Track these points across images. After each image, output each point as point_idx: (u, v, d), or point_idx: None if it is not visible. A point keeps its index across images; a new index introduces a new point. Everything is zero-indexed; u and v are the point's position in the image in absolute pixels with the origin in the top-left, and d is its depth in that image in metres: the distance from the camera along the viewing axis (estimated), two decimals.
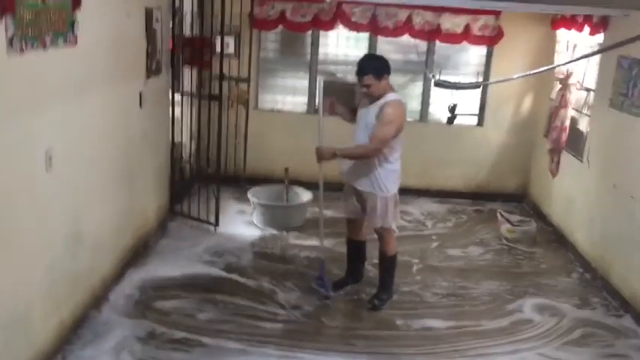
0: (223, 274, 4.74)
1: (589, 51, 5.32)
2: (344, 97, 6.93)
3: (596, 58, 5.34)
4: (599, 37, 5.26)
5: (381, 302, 4.38)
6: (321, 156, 4.16)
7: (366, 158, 4.12)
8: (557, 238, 5.88)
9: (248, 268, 4.86)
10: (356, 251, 4.64)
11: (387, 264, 4.45)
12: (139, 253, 4.75)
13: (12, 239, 2.88)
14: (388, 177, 4.17)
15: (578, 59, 5.28)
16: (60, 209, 3.37)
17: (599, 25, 5.14)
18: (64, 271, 3.45)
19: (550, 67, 4.28)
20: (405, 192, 6.78)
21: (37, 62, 2.94)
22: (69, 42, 3.24)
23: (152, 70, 4.77)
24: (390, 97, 4.08)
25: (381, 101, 4.05)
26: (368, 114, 4.10)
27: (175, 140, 5.63)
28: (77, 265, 3.62)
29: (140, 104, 4.59)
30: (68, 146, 3.38)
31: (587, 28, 5.30)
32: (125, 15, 4.16)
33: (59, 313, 3.42)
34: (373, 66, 4.07)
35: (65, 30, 3.19)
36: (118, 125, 4.19)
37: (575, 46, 5.63)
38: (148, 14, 4.58)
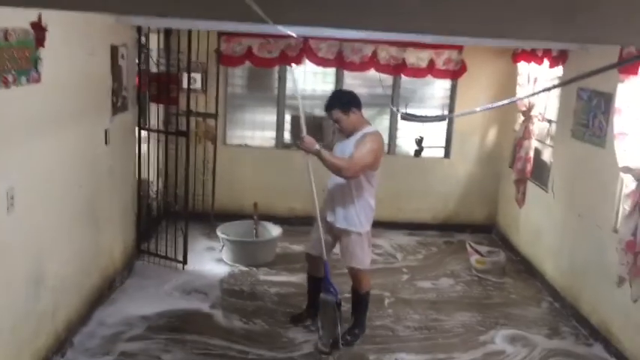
0: (192, 312, 4.64)
1: (549, 84, 5.47)
2: (312, 131, 7.03)
3: (557, 90, 5.49)
4: (559, 70, 5.41)
5: (354, 338, 4.33)
6: (306, 146, 4.01)
7: (339, 174, 4.05)
8: (526, 268, 5.93)
9: (217, 306, 4.77)
10: (317, 288, 4.39)
11: (361, 300, 4.40)
12: (104, 293, 4.63)
13: None
14: (363, 212, 4.16)
15: (539, 92, 5.43)
16: (21, 250, 3.28)
17: (559, 58, 5.29)
18: (26, 314, 3.33)
19: (512, 99, 4.39)
20: (374, 225, 6.78)
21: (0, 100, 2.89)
22: (32, 80, 3.20)
23: (118, 107, 4.73)
24: (368, 129, 4.12)
25: (359, 134, 4.09)
26: (346, 147, 4.11)
27: (142, 177, 5.56)
28: (40, 307, 3.50)
29: (106, 141, 4.52)
30: (31, 185, 3.30)
31: (546, 62, 5.45)
32: (90, 52, 4.13)
33: (21, 359, 3.29)
34: (339, 100, 4.10)
35: (29, 67, 3.15)
36: (84, 163, 4.12)
37: (535, 79, 5.78)
38: (114, 51, 4.56)
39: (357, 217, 4.15)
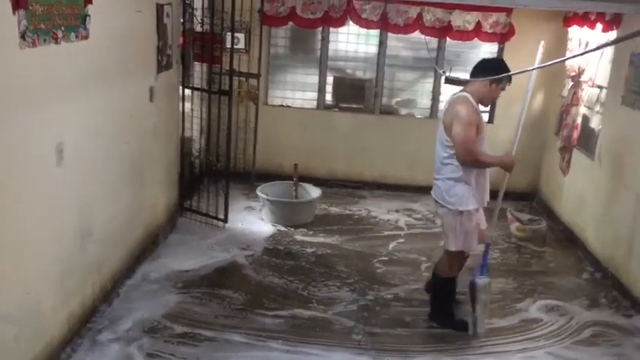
0: (230, 268, 4.76)
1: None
2: (353, 93, 7.00)
3: (609, 55, 5.30)
4: (612, 35, 5.21)
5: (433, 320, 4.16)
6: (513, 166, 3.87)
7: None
8: (567, 238, 5.85)
9: (255, 263, 4.87)
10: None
11: (436, 284, 4.19)
12: (148, 247, 4.77)
13: (22, 232, 2.90)
14: (453, 189, 3.86)
15: (590, 51, 5.23)
16: (70, 203, 3.39)
17: (612, 22, 5.10)
18: (74, 265, 3.47)
19: (561, 59, 4.21)
20: (413, 189, 6.86)
21: (49, 56, 2.96)
22: (81, 36, 3.25)
23: (163, 65, 4.78)
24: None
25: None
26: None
27: (185, 135, 5.64)
28: (87, 258, 3.64)
29: (150, 99, 4.59)
30: (79, 140, 3.39)
31: (599, 26, 5.26)
32: (136, 10, 4.16)
33: (69, 306, 3.44)
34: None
35: (77, 24, 3.20)
36: (129, 120, 4.20)
37: (587, 44, 5.59)
38: (159, 9, 4.59)
39: (445, 193, 3.89)
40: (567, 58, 5.61)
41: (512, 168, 3.88)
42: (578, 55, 5.42)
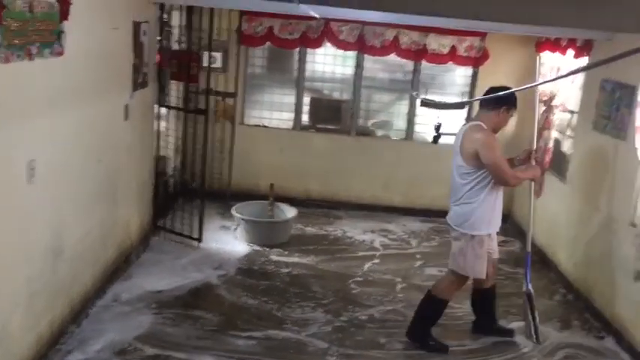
0: (203, 289, 4.70)
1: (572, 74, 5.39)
2: (330, 114, 7.04)
3: (580, 81, 5.42)
4: (584, 61, 5.33)
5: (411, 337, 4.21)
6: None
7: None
8: (540, 259, 5.90)
9: (230, 284, 4.81)
10: (480, 299, 4.36)
11: (425, 303, 4.20)
12: (120, 267, 4.69)
13: None
14: (470, 214, 3.98)
15: (562, 77, 5.35)
16: (41, 221, 3.32)
17: (583, 48, 5.22)
18: (44, 285, 3.39)
19: (534, 84, 4.33)
20: (389, 210, 6.89)
21: (23, 72, 2.92)
22: (55, 53, 3.22)
23: (138, 83, 4.75)
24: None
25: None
26: None
27: (160, 154, 5.60)
28: (57, 277, 3.56)
29: (125, 117, 4.56)
30: (51, 158, 3.34)
31: (570, 52, 5.38)
32: (112, 27, 4.14)
33: (38, 327, 3.35)
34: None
35: (52, 40, 3.17)
36: (103, 137, 4.16)
37: (558, 70, 5.71)
38: (136, 27, 4.57)
39: (462, 218, 4.00)
40: (554, 79, 5.66)
41: (539, 177, 4.27)
42: (563, 77, 5.49)
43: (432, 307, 4.16)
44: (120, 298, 4.38)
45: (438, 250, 6.05)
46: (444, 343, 4.12)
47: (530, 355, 4.15)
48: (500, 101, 3.85)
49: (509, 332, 4.39)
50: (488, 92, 3.97)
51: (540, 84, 4.06)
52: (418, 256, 5.84)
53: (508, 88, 3.84)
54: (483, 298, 4.33)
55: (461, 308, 4.78)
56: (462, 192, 3.97)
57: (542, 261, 5.85)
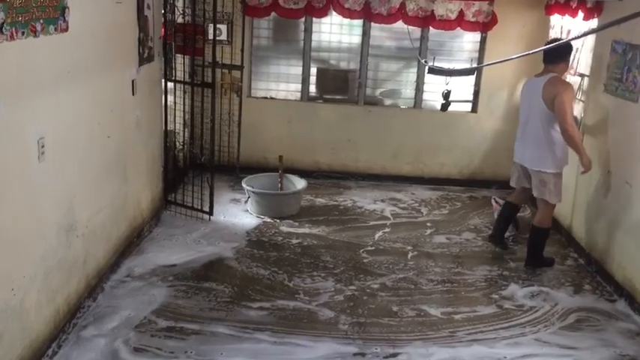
0: (215, 261, 4.74)
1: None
2: (337, 84, 6.99)
3: (590, 43, 5.33)
4: (594, 23, 5.24)
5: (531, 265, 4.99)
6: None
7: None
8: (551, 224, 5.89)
9: (240, 256, 4.85)
10: (509, 213, 5.37)
11: (536, 236, 4.98)
12: (132, 242, 4.74)
13: (5, 229, 2.86)
14: (555, 153, 4.76)
15: (572, 39, 5.23)
16: (53, 199, 3.35)
17: (593, 10, 5.12)
18: (58, 261, 3.43)
19: (544, 47, 4.27)
20: (398, 179, 6.89)
21: (28, 49, 2.91)
22: (60, 29, 3.20)
23: (144, 58, 4.73)
24: None
25: None
26: None
27: (169, 128, 5.60)
28: (71, 254, 3.60)
29: (133, 92, 4.55)
30: (60, 135, 3.35)
31: (580, 14, 5.28)
32: (116, 1, 4.11)
33: (54, 303, 3.41)
34: None
35: (56, 17, 3.15)
36: (111, 113, 4.16)
37: (569, 32, 5.61)
38: (140, 1, 4.53)
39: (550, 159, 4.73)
40: (573, 39, 5.56)
41: (587, 168, 4.72)
42: (576, 38, 5.38)
43: (542, 236, 4.95)
44: (133, 272, 4.43)
45: (448, 217, 6.06)
46: (549, 257, 5.05)
47: (541, 320, 4.17)
48: (564, 56, 4.66)
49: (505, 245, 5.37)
50: (554, 50, 4.48)
51: (574, 39, 4.98)
52: (429, 224, 5.85)
53: (566, 41, 4.74)
54: (515, 212, 5.36)
55: (473, 274, 4.81)
56: (548, 134, 4.64)
57: (554, 227, 5.82)
